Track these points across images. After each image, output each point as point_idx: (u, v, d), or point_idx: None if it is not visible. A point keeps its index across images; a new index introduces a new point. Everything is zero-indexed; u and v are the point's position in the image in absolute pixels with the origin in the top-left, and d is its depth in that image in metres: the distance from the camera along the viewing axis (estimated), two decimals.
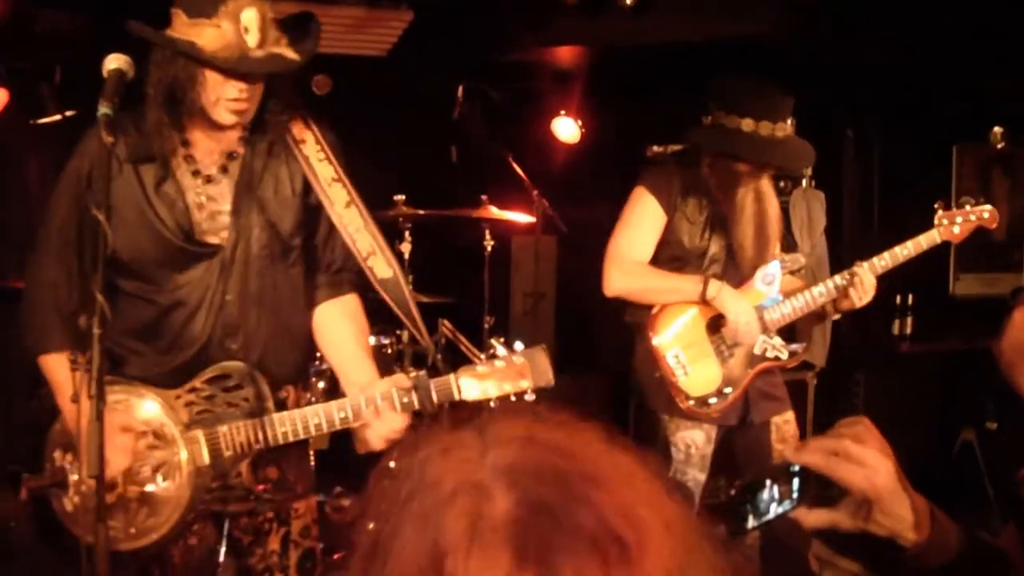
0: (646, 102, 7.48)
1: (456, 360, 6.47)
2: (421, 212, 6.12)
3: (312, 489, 3.36)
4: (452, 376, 2.99)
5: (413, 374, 3.01)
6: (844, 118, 7.13)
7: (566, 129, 7.73)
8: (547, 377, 3.00)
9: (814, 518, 1.64)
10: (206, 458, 3.02)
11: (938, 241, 4.51)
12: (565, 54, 7.68)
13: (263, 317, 3.17)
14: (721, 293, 4.29)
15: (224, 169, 3.11)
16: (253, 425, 3.01)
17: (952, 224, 4.52)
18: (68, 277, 3.07)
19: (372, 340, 5.94)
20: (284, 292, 3.22)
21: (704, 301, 4.31)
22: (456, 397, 2.98)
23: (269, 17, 2.89)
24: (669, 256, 4.42)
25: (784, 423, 4.52)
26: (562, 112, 7.69)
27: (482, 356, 3.06)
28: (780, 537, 3.98)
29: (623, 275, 4.39)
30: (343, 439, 4.26)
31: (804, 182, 6.71)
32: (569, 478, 0.97)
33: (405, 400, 2.97)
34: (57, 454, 3.08)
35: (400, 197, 6.09)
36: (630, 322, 4.53)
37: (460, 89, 7.16)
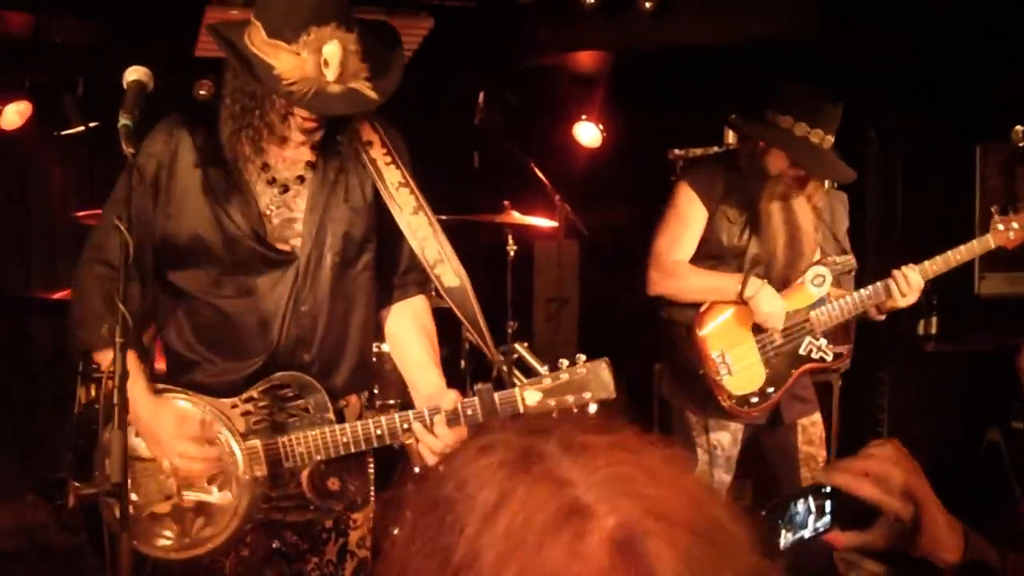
0: (667, 106, 7.48)
1: (479, 364, 6.48)
2: (443, 218, 6.04)
3: (370, 500, 3.29)
4: (517, 389, 2.96)
5: (478, 386, 2.97)
6: (866, 118, 7.10)
7: (587, 134, 7.74)
8: (608, 389, 2.97)
9: (847, 539, 1.64)
10: (264, 468, 3.00)
11: (992, 247, 4.46)
12: (585, 59, 7.68)
13: (334, 327, 3.13)
14: (759, 293, 4.28)
15: (300, 179, 3.07)
16: (314, 436, 2.98)
17: (1008, 230, 4.46)
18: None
19: None
20: (355, 300, 3.18)
21: (742, 300, 4.30)
22: (520, 410, 2.94)
23: (352, 49, 2.79)
24: (705, 253, 4.43)
25: (811, 424, 4.51)
26: (583, 117, 7.69)
27: (544, 368, 3.02)
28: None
29: (664, 276, 4.41)
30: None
31: (826, 183, 6.67)
32: (658, 491, 0.96)
33: (469, 413, 2.93)
34: (107, 462, 3.07)
35: None
36: (667, 319, 4.52)
37: (481, 95, 7.16)
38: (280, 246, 3.05)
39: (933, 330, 7.08)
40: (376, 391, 5.56)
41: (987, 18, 5.72)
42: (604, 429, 1.03)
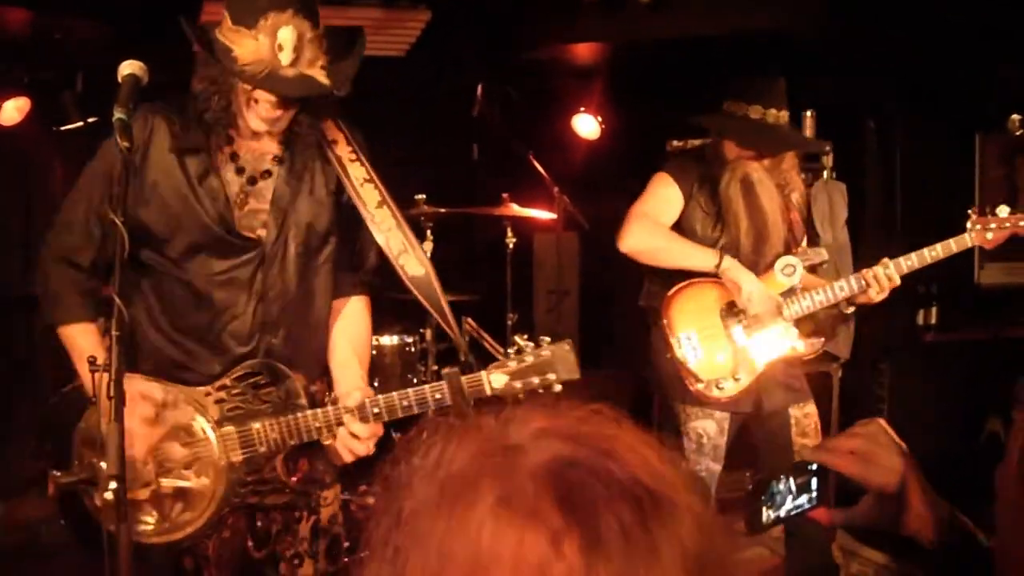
0: (665, 98, 7.46)
1: (481, 357, 6.49)
2: (443, 210, 6.14)
3: (337, 478, 3.41)
4: (484, 372, 3.04)
5: (445, 370, 3.05)
6: (865, 109, 7.10)
7: (586, 126, 7.74)
8: (573, 370, 3.04)
9: (832, 516, 1.65)
10: (240, 454, 3.09)
11: (969, 245, 4.49)
12: (584, 51, 7.68)
13: (300, 313, 3.25)
14: (734, 265, 4.33)
15: (267, 173, 3.17)
16: (287, 422, 3.07)
17: (985, 230, 4.49)
18: (89, 248, 3.15)
19: (395, 339, 6.02)
20: (318, 289, 3.30)
21: (715, 273, 4.34)
22: (487, 393, 3.02)
23: (309, 37, 2.89)
24: None
25: (804, 416, 4.51)
26: (582, 109, 7.70)
27: (509, 351, 3.09)
28: (804, 528, 3.98)
29: (643, 231, 4.44)
30: None
31: (825, 174, 6.70)
32: (595, 439, 0.98)
33: (437, 397, 3.02)
34: (85, 451, 3.13)
35: (421, 196, 6.11)
36: (644, 306, 4.58)
37: (480, 88, 7.16)
38: (246, 234, 3.15)
39: (933, 320, 7.08)
40: (376, 383, 5.58)
41: (985, 9, 5.72)
42: (550, 404, 1.06)
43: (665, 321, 4.38)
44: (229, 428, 3.09)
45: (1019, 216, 4.52)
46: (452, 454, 0.99)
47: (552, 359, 3.02)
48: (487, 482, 0.94)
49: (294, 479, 3.18)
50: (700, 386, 4.33)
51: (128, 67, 2.81)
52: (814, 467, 1.63)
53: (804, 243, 4.63)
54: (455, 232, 6.50)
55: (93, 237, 3.15)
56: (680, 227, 4.46)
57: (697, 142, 7.04)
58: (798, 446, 4.45)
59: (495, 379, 3.02)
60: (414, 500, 0.98)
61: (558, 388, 3.04)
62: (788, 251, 4.51)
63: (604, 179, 7.72)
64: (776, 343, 4.37)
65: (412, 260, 3.23)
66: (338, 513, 3.42)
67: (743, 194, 4.38)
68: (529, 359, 3.02)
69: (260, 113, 3.01)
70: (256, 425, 3.08)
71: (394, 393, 3.05)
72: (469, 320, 6.33)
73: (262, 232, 3.16)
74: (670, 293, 4.40)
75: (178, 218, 3.10)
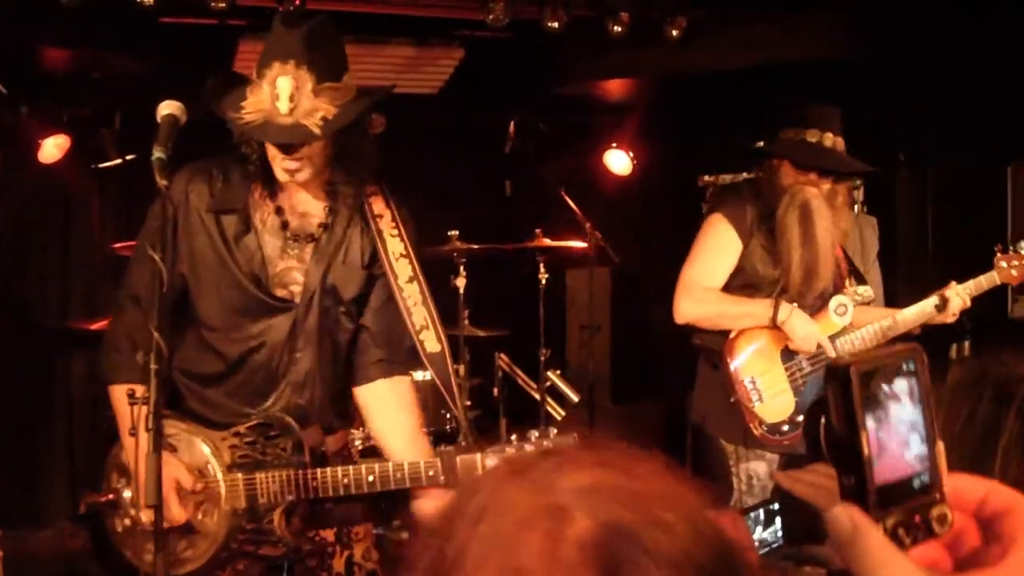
0: (697, 133, 7.51)
1: (512, 393, 6.51)
2: (476, 246, 6.17)
3: (368, 514, 3.45)
4: (479, 455, 3.03)
5: (440, 448, 3.08)
6: (896, 141, 7.10)
7: (618, 161, 7.77)
8: None
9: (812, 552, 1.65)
10: (243, 501, 3.12)
11: (997, 283, 4.52)
12: (615, 87, 7.71)
13: (322, 375, 3.29)
14: (792, 317, 4.30)
15: (311, 237, 3.23)
16: (287, 476, 3.10)
17: (1010, 267, 4.51)
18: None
19: (428, 376, 6.02)
20: (340, 353, 3.35)
21: (775, 324, 4.32)
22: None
23: (311, 88, 2.93)
24: (743, 283, 4.43)
25: None
26: (614, 145, 7.73)
27: (512, 437, 3.08)
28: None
29: (694, 302, 4.40)
30: None
31: (856, 207, 6.69)
32: (645, 502, 0.96)
33: (431, 474, 3.04)
34: (114, 476, 3.20)
35: (454, 232, 6.15)
36: (699, 345, 4.53)
37: (512, 124, 7.21)
38: (279, 291, 3.21)
39: (966, 353, 7.04)
40: None
41: (1016, 41, 5.72)
42: (600, 450, 1.04)
43: (729, 363, 4.37)
44: (237, 475, 3.13)
45: None
46: (499, 503, 0.97)
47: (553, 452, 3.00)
48: (532, 545, 0.92)
49: (290, 534, 3.18)
50: (764, 429, 4.33)
51: (167, 107, 2.88)
52: (775, 506, 1.63)
53: (853, 281, 4.61)
54: (488, 268, 6.53)
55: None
56: (741, 267, 4.41)
57: (728, 178, 7.08)
58: None
59: (490, 462, 3.00)
60: (456, 547, 0.96)
61: None
62: (836, 286, 4.51)
63: (636, 214, 7.75)
64: None
65: (432, 337, 3.28)
66: (371, 548, 3.45)
67: (800, 220, 4.29)
68: (529, 448, 3.00)
69: (281, 165, 3.06)
70: (260, 475, 3.12)
71: (389, 463, 3.09)
72: (502, 356, 6.35)
73: (295, 288, 3.22)
74: (732, 336, 4.38)
75: (213, 277, 3.17)
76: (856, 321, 4.45)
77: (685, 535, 0.94)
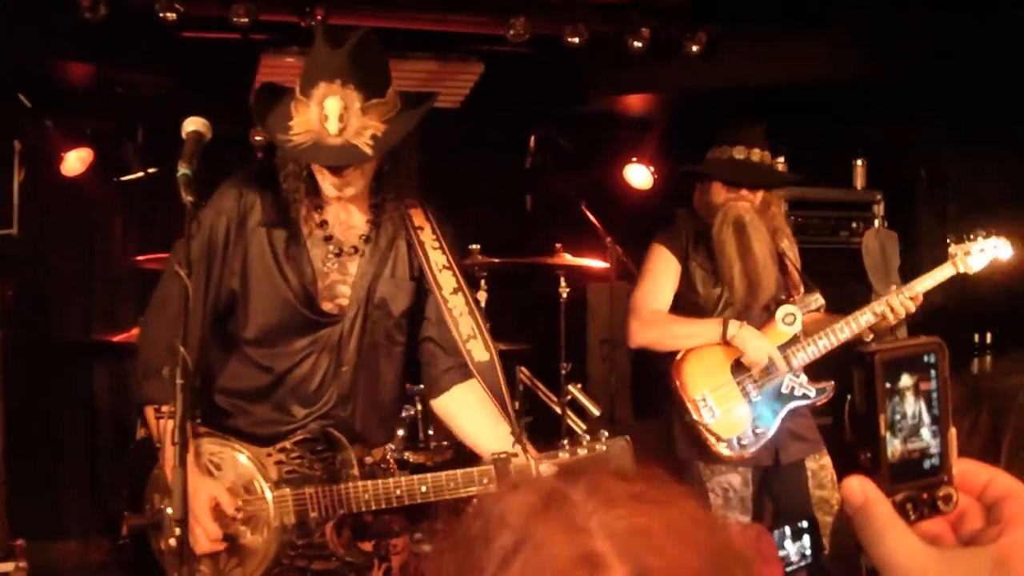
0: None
1: (534, 406, 6.50)
2: (497, 260, 6.18)
3: (407, 527, 3.45)
4: (533, 461, 3.05)
5: (494, 454, 3.06)
6: (917, 158, 7.08)
7: (638, 176, 7.76)
8: (626, 467, 3.01)
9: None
10: (293, 517, 3.12)
11: (954, 274, 4.57)
12: (635, 102, 7.72)
13: (369, 389, 3.32)
14: (741, 332, 4.37)
15: (355, 250, 3.25)
16: (338, 491, 3.10)
17: (967, 255, 4.57)
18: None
19: None
20: (389, 366, 3.37)
21: (725, 342, 4.37)
22: None
23: (359, 107, 2.92)
24: (689, 303, 4.54)
25: (820, 468, 4.51)
26: (634, 159, 7.72)
27: (564, 441, 3.09)
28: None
29: (643, 325, 4.52)
30: None
31: (877, 222, 6.68)
32: (680, 551, 0.97)
33: (485, 481, 3.02)
34: (156, 497, 3.19)
35: (476, 246, 6.16)
36: (658, 371, 4.58)
37: (532, 138, 7.23)
38: (326, 305, 3.23)
39: (987, 369, 7.01)
40: (431, 432, 5.62)
41: None
42: (632, 478, 1.05)
43: (678, 384, 4.42)
44: (285, 490, 3.12)
45: (994, 240, 4.62)
46: (533, 543, 0.97)
47: (607, 455, 3.00)
48: None
49: (344, 548, 3.18)
50: (722, 445, 4.34)
51: (192, 124, 2.88)
52: (805, 524, 1.65)
53: (802, 290, 4.63)
54: (509, 282, 6.53)
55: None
56: (683, 289, 4.53)
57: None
58: (816, 498, 4.44)
59: (544, 470, 3.01)
60: (497, 566, 0.97)
61: None
62: (783, 295, 4.58)
63: (657, 229, 7.73)
64: (788, 393, 4.39)
65: (479, 346, 3.28)
66: (409, 561, 3.43)
67: (735, 235, 4.43)
68: (582, 452, 3.02)
69: (328, 180, 3.08)
70: (309, 490, 3.11)
71: (442, 473, 3.06)
72: (523, 369, 6.35)
73: (342, 302, 3.24)
74: (678, 357, 4.45)
75: (263, 292, 3.18)
76: (808, 329, 4.47)
77: None
